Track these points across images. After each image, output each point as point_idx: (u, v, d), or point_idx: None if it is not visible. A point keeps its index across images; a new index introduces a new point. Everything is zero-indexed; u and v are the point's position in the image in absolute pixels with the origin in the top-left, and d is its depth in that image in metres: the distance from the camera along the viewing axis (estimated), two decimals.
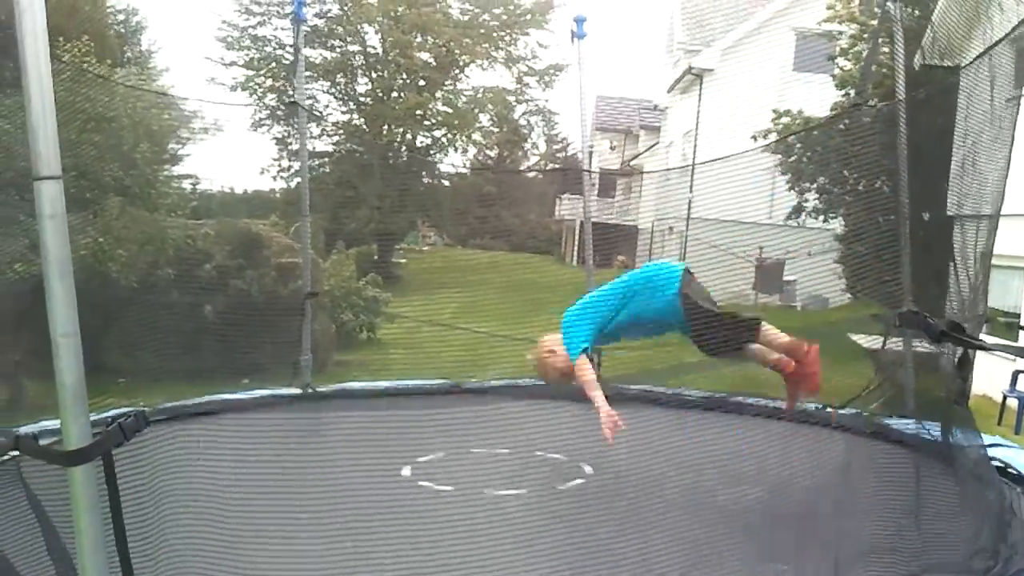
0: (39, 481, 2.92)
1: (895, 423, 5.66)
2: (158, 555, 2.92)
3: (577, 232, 28.06)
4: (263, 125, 27.31)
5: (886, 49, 7.05)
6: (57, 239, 2.23)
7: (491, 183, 27.83)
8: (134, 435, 2.43)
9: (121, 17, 24.19)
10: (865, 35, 14.70)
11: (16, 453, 3.04)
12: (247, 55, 28.29)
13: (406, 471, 4.96)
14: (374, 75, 29.04)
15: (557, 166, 38.87)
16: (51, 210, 2.24)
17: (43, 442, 2.64)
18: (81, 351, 2.25)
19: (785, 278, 17.43)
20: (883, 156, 6.49)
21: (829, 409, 6.34)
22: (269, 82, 27.76)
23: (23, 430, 4.63)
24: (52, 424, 4.45)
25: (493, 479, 4.72)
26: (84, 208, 9.24)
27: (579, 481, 4.82)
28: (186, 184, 16.60)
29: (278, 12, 27.52)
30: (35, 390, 7.39)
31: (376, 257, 20.69)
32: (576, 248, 27.48)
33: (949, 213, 5.16)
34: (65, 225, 2.25)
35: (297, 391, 7.08)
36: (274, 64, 27.66)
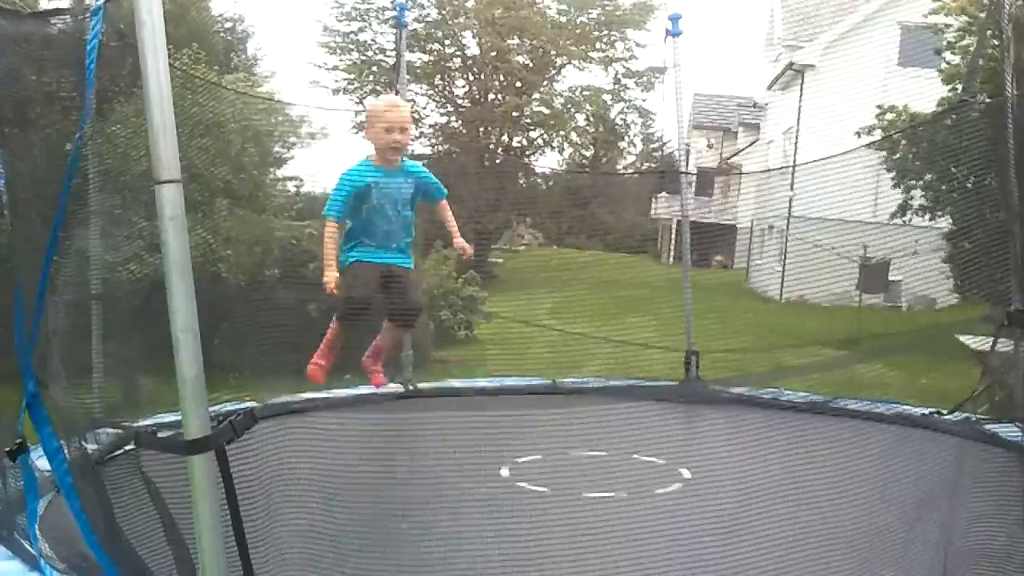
0: (156, 472, 3.04)
1: (1002, 428, 5.49)
2: (267, 547, 3.02)
3: (673, 231, 27.84)
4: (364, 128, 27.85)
5: (995, 42, 6.83)
6: (177, 240, 2.35)
7: (587, 182, 27.80)
8: (244, 432, 2.52)
9: (228, 25, 24.94)
10: (973, 28, 14.21)
11: (133, 446, 3.19)
12: (348, 59, 28.89)
13: (504, 472, 4.99)
14: (471, 77, 29.31)
15: (653, 166, 38.57)
16: (171, 212, 2.35)
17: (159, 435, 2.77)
18: (200, 346, 2.35)
19: (890, 278, 17.01)
20: (992, 152, 6.29)
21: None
22: (370, 86, 28.28)
23: (140, 423, 4.85)
24: (167, 418, 4.65)
25: (591, 481, 4.72)
26: (194, 210, 9.57)
27: (677, 486, 4.79)
28: (291, 186, 17.05)
29: (378, 17, 28.03)
30: (149, 386, 7.67)
31: (473, 258, 20.88)
32: (672, 247, 27.25)
33: None
34: (185, 226, 2.36)
35: (398, 387, 7.20)
36: (375, 68, 28.16)
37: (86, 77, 3.62)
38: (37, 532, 3.63)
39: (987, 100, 6.37)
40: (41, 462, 3.41)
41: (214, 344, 8.89)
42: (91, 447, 3.60)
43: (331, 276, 4.77)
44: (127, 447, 3.92)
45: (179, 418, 2.42)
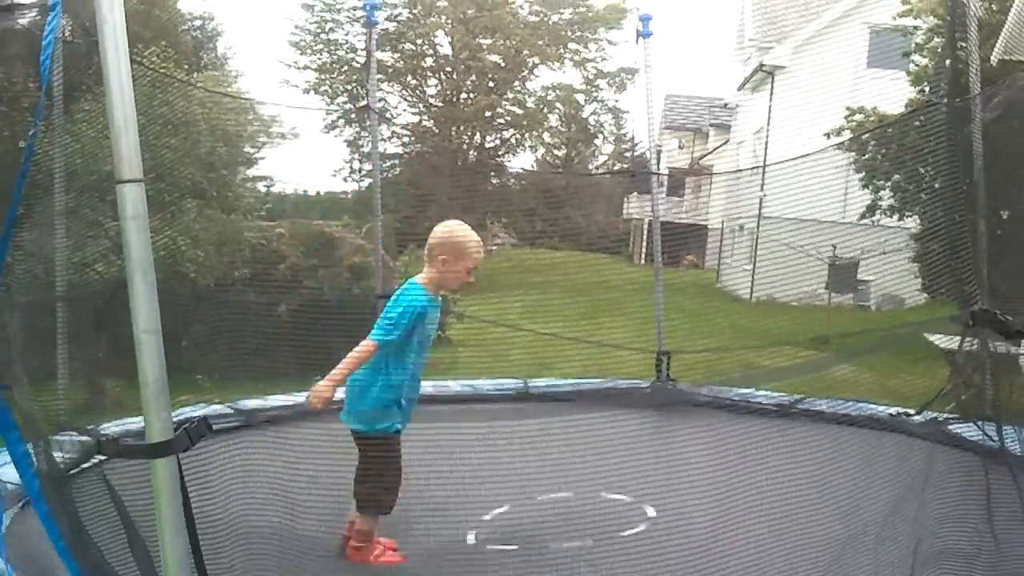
0: (126, 477, 2.99)
1: (968, 430, 5.53)
2: (232, 552, 2.99)
3: (645, 231, 27.93)
4: (335, 128, 27.75)
5: (963, 44, 6.90)
6: (139, 239, 2.31)
7: (560, 182, 27.88)
8: (199, 439, 2.47)
9: (198, 23, 24.76)
10: (941, 30, 14.37)
11: (101, 457, 3.13)
12: (319, 59, 28.77)
13: (471, 538, 4.51)
14: (443, 77, 29.28)
15: (625, 166, 38.70)
16: (133, 212, 2.32)
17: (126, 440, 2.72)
18: (162, 347, 2.32)
19: (859, 278, 17.16)
20: (959, 153, 6.35)
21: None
22: (341, 85, 28.19)
23: (107, 429, 4.77)
24: (135, 422, 4.57)
25: (557, 530, 4.49)
26: (162, 210, 9.47)
27: (642, 527, 4.60)
28: (261, 186, 16.95)
29: (349, 17, 27.93)
30: (116, 389, 7.59)
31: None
32: (644, 248, 27.35)
33: None
34: (147, 226, 2.33)
35: None
36: (346, 67, 28.06)
37: (40, 73, 3.57)
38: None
39: (955, 101, 6.43)
40: (5, 472, 3.35)
41: (182, 347, 8.81)
42: (58, 455, 3.54)
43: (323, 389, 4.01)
44: (97, 457, 3.85)
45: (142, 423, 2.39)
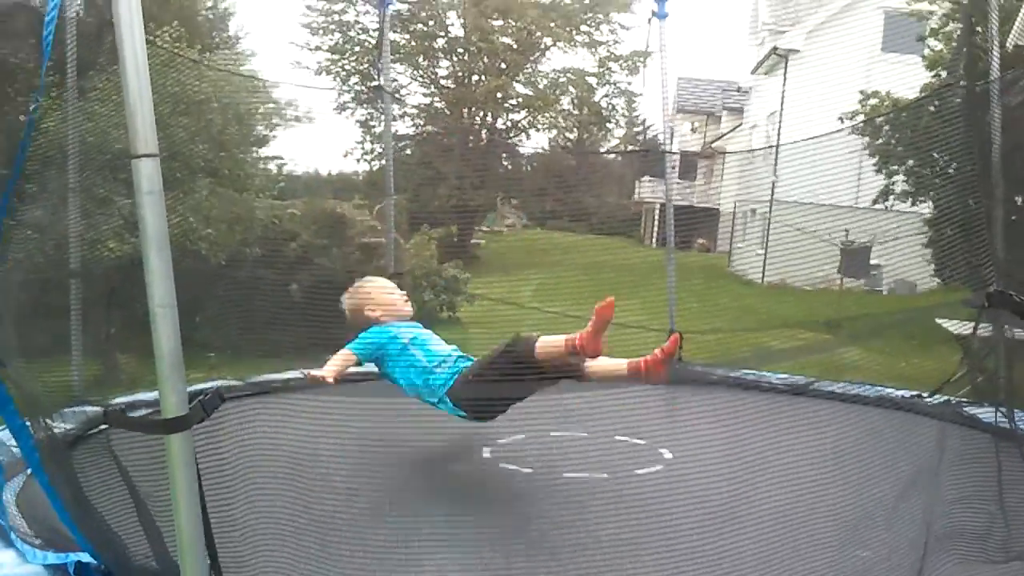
0: (129, 448, 3.00)
1: (981, 411, 5.52)
2: (242, 530, 3.00)
3: (657, 214, 27.85)
4: (347, 108, 27.69)
5: (979, 28, 6.84)
6: (155, 214, 2.31)
7: (571, 164, 27.77)
8: (213, 411, 2.49)
9: (210, 3, 24.70)
10: (957, 14, 14.24)
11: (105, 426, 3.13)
12: (331, 40, 28.67)
13: (486, 452, 4.97)
14: (455, 58, 29.17)
15: (638, 148, 38.52)
16: (149, 186, 2.32)
17: (139, 412, 2.73)
18: (178, 322, 2.32)
19: (872, 262, 17.10)
20: (974, 138, 6.30)
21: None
22: (353, 66, 28.12)
23: (118, 401, 4.80)
24: (147, 396, 4.60)
25: (572, 462, 4.69)
26: (175, 188, 9.48)
27: (658, 467, 4.77)
28: (272, 166, 16.92)
29: None
30: (129, 364, 7.63)
31: (456, 239, 20.87)
32: (655, 230, 27.28)
33: None
34: (162, 201, 2.32)
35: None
36: (358, 48, 27.98)
37: (42, 50, 3.58)
38: (14, 509, 3.61)
39: (972, 85, 6.37)
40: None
41: (194, 323, 8.85)
42: (58, 427, 3.55)
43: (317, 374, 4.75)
44: (101, 426, 3.86)
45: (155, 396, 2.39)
